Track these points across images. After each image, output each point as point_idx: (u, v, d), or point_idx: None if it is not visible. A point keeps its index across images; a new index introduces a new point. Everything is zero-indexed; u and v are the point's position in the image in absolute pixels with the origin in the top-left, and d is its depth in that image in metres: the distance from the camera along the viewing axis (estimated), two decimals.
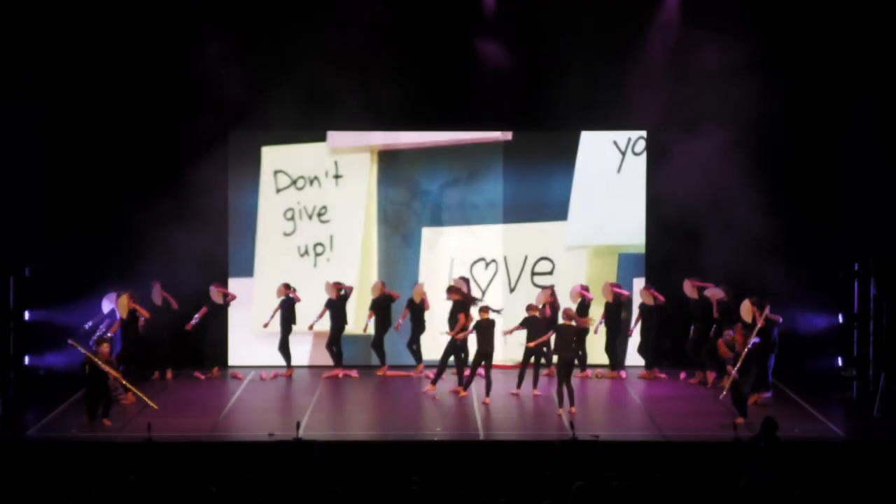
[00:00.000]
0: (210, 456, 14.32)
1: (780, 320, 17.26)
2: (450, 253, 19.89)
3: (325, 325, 18.78)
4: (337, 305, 18.75)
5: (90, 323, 17.90)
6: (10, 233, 18.27)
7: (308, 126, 19.56)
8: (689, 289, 18.52)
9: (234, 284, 19.47)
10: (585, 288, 18.93)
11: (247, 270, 19.71)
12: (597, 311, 18.79)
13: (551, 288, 18.82)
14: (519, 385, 17.66)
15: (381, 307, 18.78)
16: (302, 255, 19.80)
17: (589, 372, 18.99)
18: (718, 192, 18.60)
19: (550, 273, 19.83)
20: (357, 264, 19.78)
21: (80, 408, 16.11)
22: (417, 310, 18.74)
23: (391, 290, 18.88)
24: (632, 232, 19.78)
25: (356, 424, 16.34)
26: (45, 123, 18.84)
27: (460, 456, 14.42)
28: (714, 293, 18.13)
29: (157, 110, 18.93)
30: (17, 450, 14.56)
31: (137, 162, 19.00)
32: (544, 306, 18.80)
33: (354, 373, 18.99)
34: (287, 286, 18.89)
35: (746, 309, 17.40)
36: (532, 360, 17.70)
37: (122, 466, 13.03)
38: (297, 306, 18.86)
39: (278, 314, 18.81)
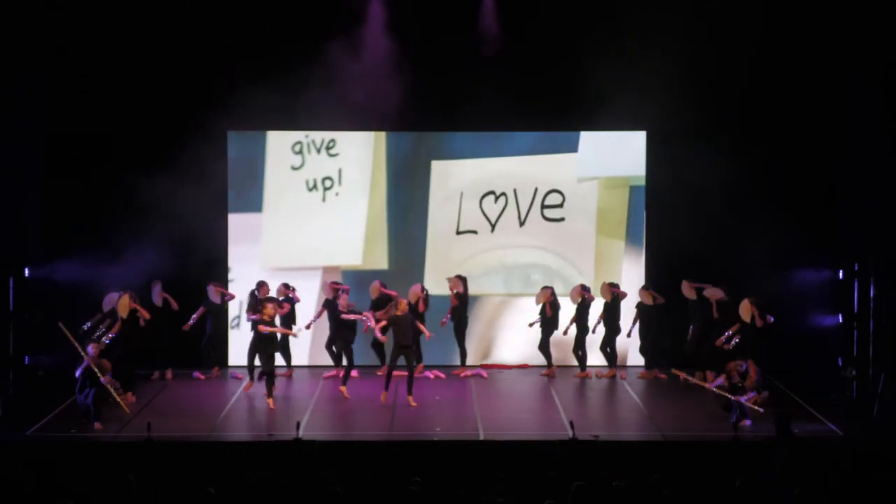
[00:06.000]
0: (210, 456, 14.32)
1: (771, 319, 17.29)
2: (459, 186, 19.72)
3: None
4: (335, 305, 18.72)
5: (88, 323, 17.83)
6: (10, 233, 18.26)
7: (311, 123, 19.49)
8: (687, 289, 18.49)
9: (240, 220, 19.46)
10: (586, 288, 18.94)
11: (255, 205, 19.61)
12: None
13: (551, 288, 18.85)
14: (386, 388, 17.37)
15: (380, 307, 18.75)
16: (310, 190, 19.68)
17: (589, 372, 19.01)
18: (716, 193, 18.63)
19: (560, 206, 19.63)
20: (366, 198, 19.68)
21: (80, 408, 16.09)
22: (416, 311, 18.71)
23: (390, 290, 18.83)
24: (642, 163, 19.57)
25: (356, 424, 16.33)
26: (45, 120, 18.87)
27: (460, 456, 14.41)
28: (713, 293, 18.13)
29: (156, 95, 18.93)
30: (17, 450, 14.55)
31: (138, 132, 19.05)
32: (545, 305, 18.82)
33: (354, 373, 18.99)
34: (286, 286, 18.88)
35: (746, 308, 17.44)
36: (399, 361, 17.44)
37: (121, 466, 13.04)
38: (297, 306, 18.90)
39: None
